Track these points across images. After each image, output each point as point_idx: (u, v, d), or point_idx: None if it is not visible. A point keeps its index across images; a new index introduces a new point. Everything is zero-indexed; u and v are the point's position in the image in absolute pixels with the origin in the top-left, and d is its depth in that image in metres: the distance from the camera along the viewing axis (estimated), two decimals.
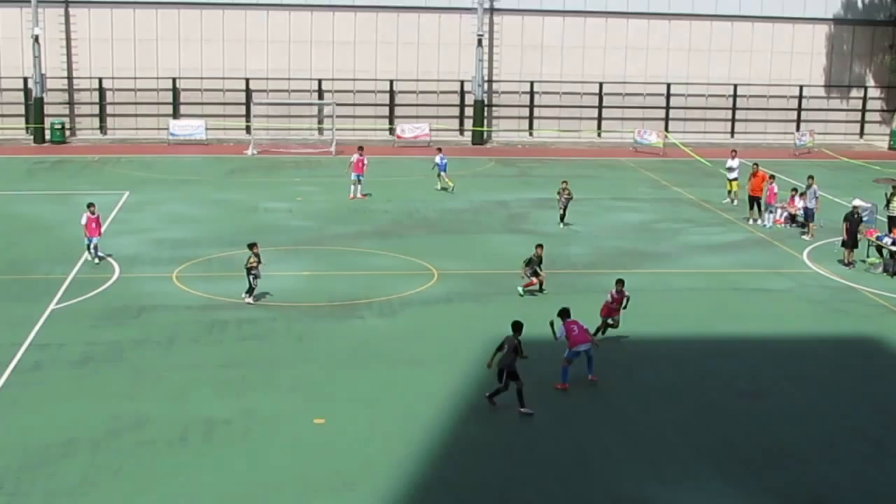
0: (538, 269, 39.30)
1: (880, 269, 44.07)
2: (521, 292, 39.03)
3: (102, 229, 44.58)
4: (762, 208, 53.22)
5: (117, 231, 48.68)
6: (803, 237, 50.03)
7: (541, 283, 39.36)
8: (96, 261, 43.01)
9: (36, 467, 24.51)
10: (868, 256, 45.37)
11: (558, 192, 51.78)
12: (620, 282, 33.88)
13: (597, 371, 30.66)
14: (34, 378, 30.32)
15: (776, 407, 28.98)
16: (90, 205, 43.61)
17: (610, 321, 33.89)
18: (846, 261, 44.88)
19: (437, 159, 60.54)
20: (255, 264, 37.52)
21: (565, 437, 26.57)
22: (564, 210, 51.38)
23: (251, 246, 37.73)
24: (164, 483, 23.70)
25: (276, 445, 25.70)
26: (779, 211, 53.03)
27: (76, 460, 24.91)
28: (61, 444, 25.71)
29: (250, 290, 37.66)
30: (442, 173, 60.23)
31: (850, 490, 23.78)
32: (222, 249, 45.44)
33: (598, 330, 33.49)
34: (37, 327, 34.69)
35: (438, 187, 60.41)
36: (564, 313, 30.62)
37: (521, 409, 27.84)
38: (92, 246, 43.30)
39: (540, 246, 39.87)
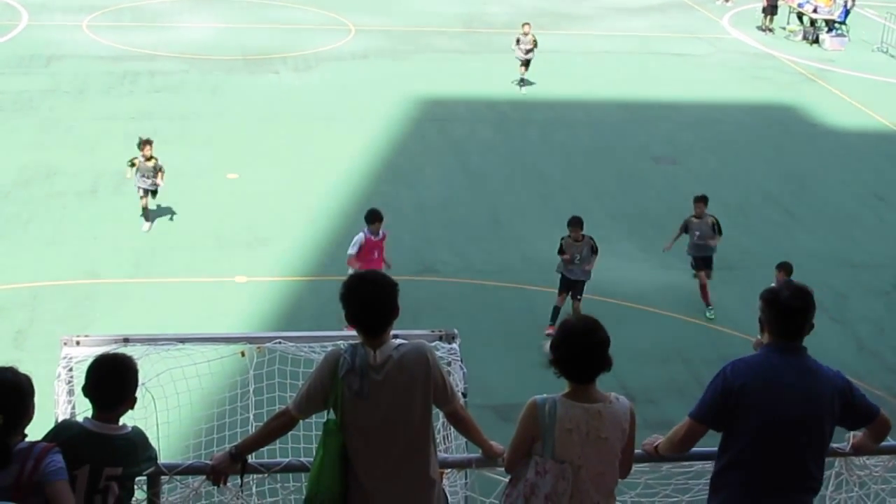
0: None
1: (800, 36, 43.94)
2: None
3: None
4: None
5: None
6: (725, 2, 49.62)
7: None
8: None
9: None
10: (788, 24, 45.17)
11: (517, 40, 34.80)
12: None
13: (513, 133, 30.57)
14: None
15: (691, 172, 29.11)
16: None
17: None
18: (765, 27, 44.67)
19: None
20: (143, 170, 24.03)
21: (482, 200, 26.55)
22: (527, 65, 34.88)
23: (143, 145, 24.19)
24: (75, 235, 23.42)
25: (189, 200, 25.41)
26: None
27: None
28: None
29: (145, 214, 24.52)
30: None
31: (761, 255, 24.08)
32: None
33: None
34: None
35: None
36: None
37: None
38: None
39: None
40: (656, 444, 7.43)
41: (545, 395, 6.75)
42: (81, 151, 27.98)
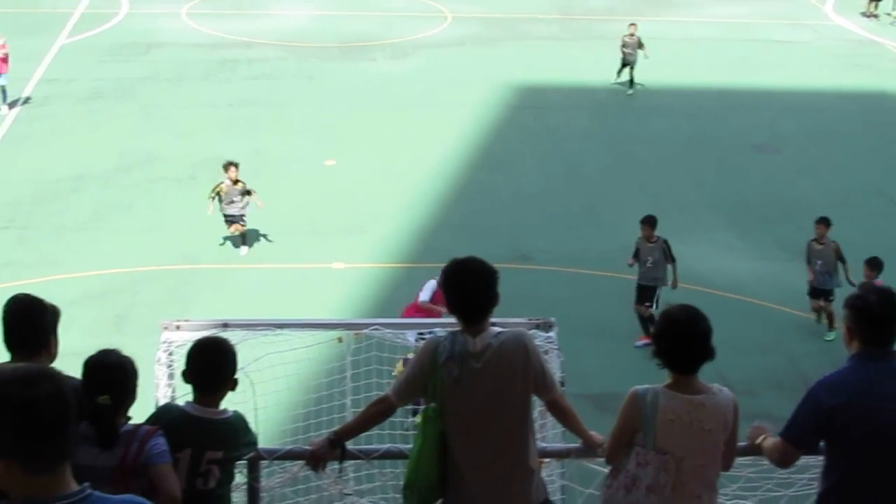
0: None
1: None
2: None
3: None
4: None
5: None
6: None
7: None
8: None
9: (47, 202, 24.50)
10: (893, 9, 44.30)
11: (623, 42, 33.57)
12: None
13: (610, 121, 30.38)
14: (44, 113, 30.06)
15: (792, 161, 28.68)
16: None
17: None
18: (869, 13, 43.88)
19: None
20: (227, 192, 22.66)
21: (579, 188, 26.40)
22: (633, 67, 33.41)
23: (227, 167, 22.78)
24: (174, 220, 23.68)
25: (286, 186, 25.57)
26: None
27: (86, 196, 24.87)
28: (72, 179, 25.63)
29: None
30: None
31: (863, 246, 23.63)
32: None
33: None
34: (46, 62, 34.22)
35: None
36: None
37: None
38: None
39: None
40: (760, 440, 7.23)
41: (646, 386, 6.64)
42: (180, 138, 28.28)
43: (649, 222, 19.67)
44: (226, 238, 22.65)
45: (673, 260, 19.54)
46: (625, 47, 33.08)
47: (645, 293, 19.59)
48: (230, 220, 22.37)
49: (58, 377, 3.93)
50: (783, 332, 20.28)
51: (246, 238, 22.81)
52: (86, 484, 3.98)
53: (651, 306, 19.44)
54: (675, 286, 19.37)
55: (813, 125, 31.47)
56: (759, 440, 7.21)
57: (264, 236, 23.19)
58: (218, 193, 22.15)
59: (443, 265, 6.88)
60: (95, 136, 28.32)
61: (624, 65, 33.17)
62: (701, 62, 36.91)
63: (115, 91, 31.84)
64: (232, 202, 22.19)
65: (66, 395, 3.87)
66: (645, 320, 19.42)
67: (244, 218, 22.55)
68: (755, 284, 21.88)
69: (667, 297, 19.63)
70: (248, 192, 22.33)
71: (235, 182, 22.18)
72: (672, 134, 30.30)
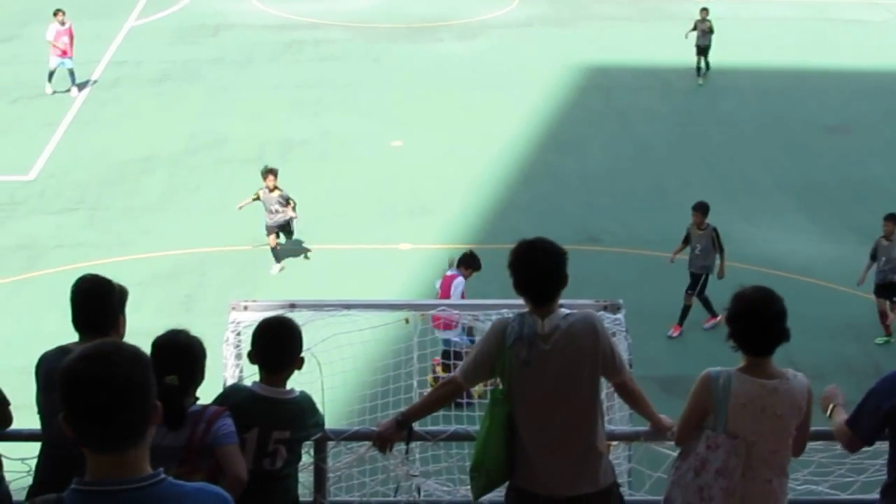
0: None
1: None
2: None
3: None
4: None
5: None
6: None
7: None
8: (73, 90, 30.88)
9: (116, 183, 24.71)
10: None
11: (694, 26, 32.50)
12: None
13: (679, 102, 30.14)
14: (113, 95, 30.32)
15: (864, 143, 28.27)
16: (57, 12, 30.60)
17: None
18: None
19: None
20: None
21: (647, 170, 26.20)
22: (705, 53, 32.42)
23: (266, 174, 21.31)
24: (241, 201, 23.76)
25: (353, 167, 25.62)
26: None
27: (155, 177, 25.06)
28: (140, 160, 25.82)
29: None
30: None
31: None
32: None
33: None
34: (115, 44, 34.50)
35: None
36: None
37: None
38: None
39: None
40: (830, 410, 7.12)
41: (719, 368, 6.57)
42: (248, 119, 28.39)
43: (701, 209, 19.41)
44: (273, 249, 21.33)
45: (721, 250, 19.23)
46: (696, 30, 32.20)
47: (692, 279, 19.37)
48: (269, 230, 21.01)
49: (133, 357, 3.91)
50: (854, 315, 20.02)
51: (279, 254, 21.34)
52: (160, 469, 3.98)
53: (693, 294, 19.25)
54: (720, 276, 19.11)
55: (885, 106, 30.96)
56: (829, 409, 7.12)
57: (316, 221, 23.23)
58: (257, 198, 21.00)
59: (510, 247, 6.82)
60: (164, 118, 28.51)
61: (698, 53, 32.21)
62: (771, 42, 36.46)
63: (184, 73, 32.04)
64: (269, 211, 20.86)
65: (137, 375, 3.86)
66: (695, 306, 19.25)
67: (289, 232, 21.31)
68: (825, 267, 21.61)
69: (740, 280, 19.42)
70: (288, 202, 20.87)
71: (272, 189, 20.76)
72: (741, 115, 29.98)
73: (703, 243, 19.19)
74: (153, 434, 4.02)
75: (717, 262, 19.26)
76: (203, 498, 4.02)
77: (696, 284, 19.26)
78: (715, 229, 19.28)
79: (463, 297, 16.94)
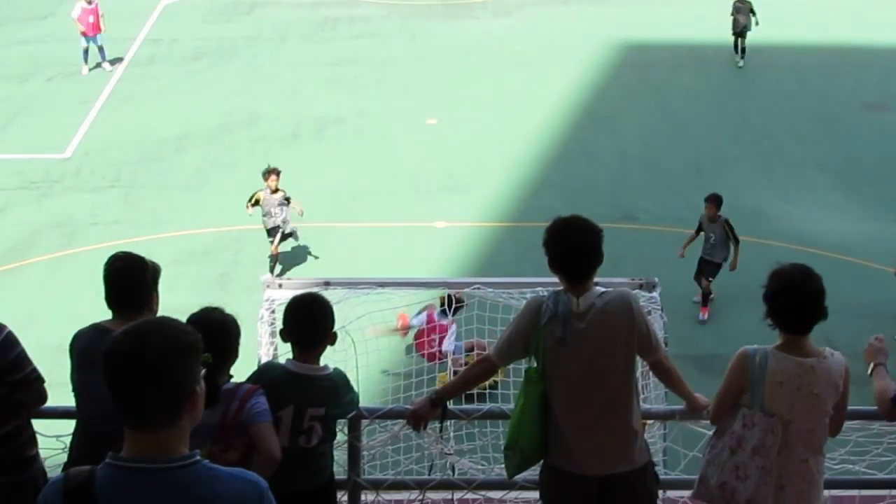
0: None
1: None
2: None
3: None
4: None
5: None
6: None
7: None
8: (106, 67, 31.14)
9: (151, 161, 24.79)
10: None
11: (735, 8, 31.56)
12: None
13: (715, 79, 29.94)
14: (148, 73, 30.40)
15: None
16: None
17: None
18: None
19: None
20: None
21: (683, 147, 26.07)
22: (743, 36, 31.55)
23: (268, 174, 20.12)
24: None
25: (388, 145, 25.61)
26: None
27: (190, 155, 25.12)
28: (176, 138, 25.89)
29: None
30: None
31: None
32: None
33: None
34: (150, 22, 34.56)
35: None
36: None
37: None
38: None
39: None
40: (871, 368, 7.04)
41: (756, 346, 6.51)
42: (283, 97, 28.42)
43: (714, 201, 19.17)
44: (271, 257, 20.07)
45: (736, 241, 19.04)
46: (737, 13, 31.28)
47: (705, 267, 19.21)
48: (271, 233, 19.92)
49: (171, 338, 3.91)
50: (892, 293, 19.86)
51: (275, 264, 20.00)
52: (196, 452, 3.98)
53: (711, 281, 19.14)
54: (732, 268, 18.93)
55: None
56: (870, 367, 7.05)
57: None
58: (256, 202, 19.83)
59: (545, 225, 6.77)
60: (199, 96, 28.57)
61: (736, 34, 31.43)
62: (809, 18, 36.15)
63: (219, 51, 32.09)
64: (269, 213, 19.75)
65: (171, 357, 3.86)
66: (721, 286, 19.12)
67: (287, 231, 20.00)
68: (864, 245, 21.43)
69: (776, 258, 19.27)
70: (287, 201, 19.86)
71: (275, 191, 19.71)
72: (779, 92, 29.75)
73: (718, 233, 19.02)
74: (196, 419, 4.05)
75: (732, 254, 19.12)
76: (237, 485, 4.00)
77: (716, 272, 19.08)
78: (727, 220, 19.08)
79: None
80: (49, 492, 4.00)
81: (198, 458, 3.93)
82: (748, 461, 6.46)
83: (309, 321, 6.71)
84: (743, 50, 31.53)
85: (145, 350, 3.84)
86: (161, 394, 3.85)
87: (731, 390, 6.59)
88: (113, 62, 30.53)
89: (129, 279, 6.47)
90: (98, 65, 30.35)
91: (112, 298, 6.50)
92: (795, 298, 6.37)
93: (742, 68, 31.42)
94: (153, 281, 6.58)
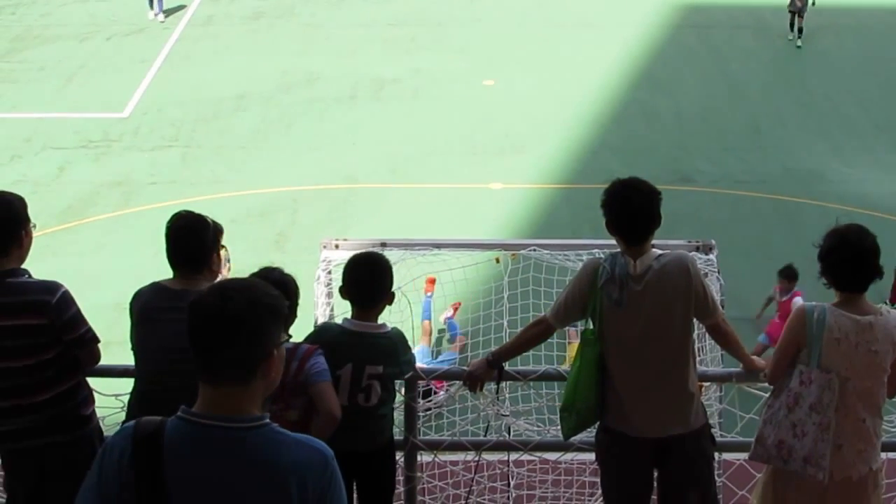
0: None
1: None
2: None
3: None
4: None
5: None
6: None
7: None
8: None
9: (209, 121, 24.89)
10: None
11: None
12: None
13: (774, 40, 29.67)
14: (206, 33, 30.49)
15: None
16: None
17: None
18: None
19: None
20: None
21: (741, 109, 25.86)
22: (801, 14, 30.44)
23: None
24: (333, 139, 23.86)
25: (445, 106, 25.57)
26: None
27: (248, 114, 25.20)
28: (233, 98, 25.98)
29: None
30: None
31: None
32: None
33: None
34: None
35: None
36: None
37: None
38: None
39: None
40: None
41: (814, 303, 6.48)
42: (340, 57, 28.43)
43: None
44: None
45: None
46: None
47: None
48: None
49: (254, 299, 3.95)
50: None
51: None
52: (266, 414, 4.02)
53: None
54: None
55: None
56: None
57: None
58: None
59: (603, 186, 6.76)
60: (256, 56, 28.64)
61: (792, 13, 30.38)
62: None
63: (277, 10, 32.13)
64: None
65: (250, 316, 3.91)
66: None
67: None
68: None
69: (834, 219, 19.05)
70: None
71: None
72: (838, 53, 29.44)
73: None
74: (273, 384, 4.09)
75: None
76: (303, 451, 4.01)
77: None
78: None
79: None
80: (118, 438, 4.04)
81: (267, 420, 3.97)
82: (805, 418, 6.43)
83: (368, 279, 6.74)
84: (800, 29, 30.32)
85: (227, 306, 3.89)
86: (238, 350, 3.90)
87: (790, 347, 6.56)
88: (167, 14, 30.89)
89: (192, 238, 6.50)
90: (156, 14, 30.81)
91: (174, 257, 6.53)
92: (848, 253, 6.34)
93: (801, 48, 30.66)
94: (215, 240, 6.61)
